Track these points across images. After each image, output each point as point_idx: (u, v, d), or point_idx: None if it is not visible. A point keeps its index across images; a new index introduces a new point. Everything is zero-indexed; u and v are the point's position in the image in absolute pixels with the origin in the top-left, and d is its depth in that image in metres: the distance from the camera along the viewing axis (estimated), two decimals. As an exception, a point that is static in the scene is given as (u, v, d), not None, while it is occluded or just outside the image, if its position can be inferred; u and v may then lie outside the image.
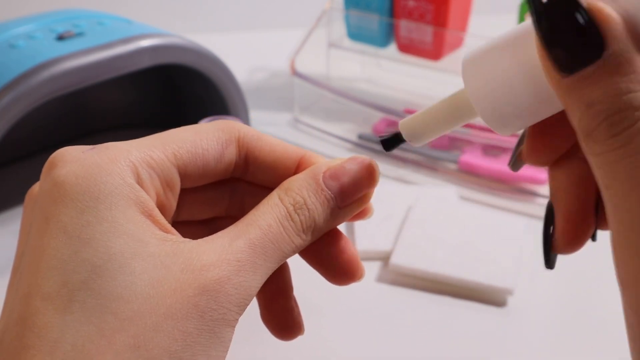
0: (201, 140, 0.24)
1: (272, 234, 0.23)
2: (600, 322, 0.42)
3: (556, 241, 0.25)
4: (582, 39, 0.18)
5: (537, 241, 0.48)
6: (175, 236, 0.22)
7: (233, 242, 0.22)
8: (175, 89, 0.59)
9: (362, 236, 0.47)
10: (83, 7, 0.57)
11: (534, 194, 0.53)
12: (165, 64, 0.50)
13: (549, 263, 0.26)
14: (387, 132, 0.25)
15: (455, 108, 0.24)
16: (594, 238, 0.25)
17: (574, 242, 0.24)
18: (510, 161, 0.26)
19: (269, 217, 0.23)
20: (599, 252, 0.47)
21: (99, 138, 0.62)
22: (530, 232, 0.48)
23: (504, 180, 0.54)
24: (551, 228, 0.25)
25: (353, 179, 0.24)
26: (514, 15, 0.60)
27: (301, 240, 0.24)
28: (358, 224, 0.48)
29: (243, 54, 0.77)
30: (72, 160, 0.22)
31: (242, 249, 0.22)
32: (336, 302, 0.43)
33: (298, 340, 0.40)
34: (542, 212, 0.54)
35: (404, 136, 0.25)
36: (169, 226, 0.22)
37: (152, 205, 0.22)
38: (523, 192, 0.53)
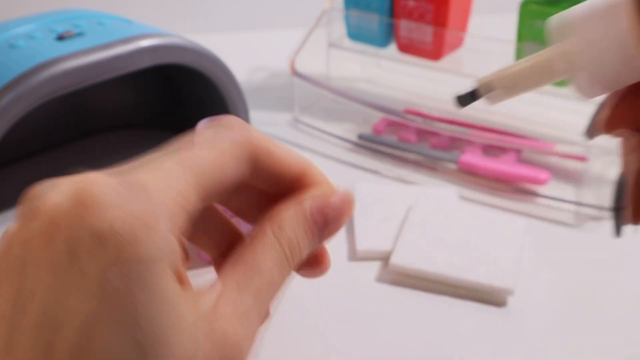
0: (223, 163, 0.24)
1: (273, 280, 0.24)
2: (600, 322, 0.42)
3: (629, 210, 0.24)
4: None
5: (537, 241, 0.48)
6: (190, 291, 0.22)
7: (242, 298, 0.23)
8: (175, 89, 0.59)
9: (362, 236, 0.47)
10: (83, 7, 0.57)
11: (534, 194, 0.53)
12: (165, 64, 0.50)
13: (619, 233, 0.26)
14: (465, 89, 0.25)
15: (541, 65, 0.24)
16: None
17: None
18: (587, 130, 0.26)
19: (269, 262, 0.24)
20: (599, 252, 0.47)
21: (99, 138, 0.62)
22: (530, 232, 0.48)
23: (504, 180, 0.54)
24: (622, 198, 0.25)
25: (337, 213, 0.26)
26: (514, 15, 0.60)
27: (288, 274, 0.25)
28: (358, 224, 0.48)
29: (243, 54, 0.77)
30: (109, 205, 0.19)
31: (250, 304, 0.23)
32: (336, 302, 0.43)
33: (297, 340, 0.40)
34: (542, 212, 0.54)
35: (480, 91, 0.24)
36: (185, 276, 0.22)
37: (180, 259, 0.21)
38: (523, 192, 0.53)
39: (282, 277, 0.24)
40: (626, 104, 0.24)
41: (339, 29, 0.67)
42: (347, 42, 0.67)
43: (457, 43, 0.64)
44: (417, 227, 0.47)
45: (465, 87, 0.25)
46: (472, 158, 0.56)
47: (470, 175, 0.55)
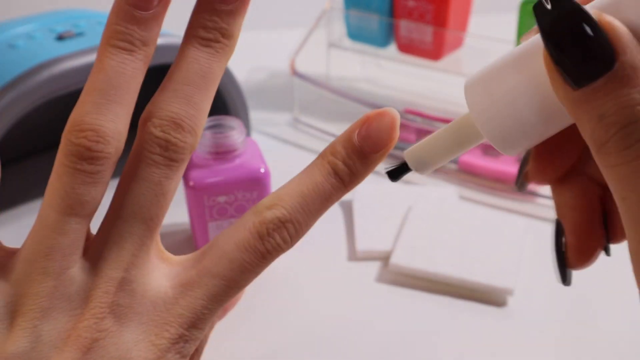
0: None
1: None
2: (600, 322, 0.42)
3: (568, 258, 0.25)
4: (592, 51, 0.18)
5: (537, 241, 0.48)
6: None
7: None
8: (175, 89, 0.59)
9: (362, 236, 0.47)
10: (83, 7, 0.57)
11: (534, 194, 0.53)
12: (165, 64, 0.50)
13: (565, 280, 0.26)
14: (392, 163, 0.26)
15: (460, 133, 0.24)
16: (607, 252, 0.25)
17: (585, 257, 0.25)
18: (516, 182, 0.26)
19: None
20: (599, 252, 0.47)
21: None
22: (530, 232, 0.48)
23: (504, 180, 0.54)
24: (562, 245, 0.25)
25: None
26: (514, 15, 0.60)
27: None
28: (358, 224, 0.48)
29: (243, 54, 0.77)
30: None
31: None
32: (336, 302, 0.43)
33: (297, 340, 0.40)
34: (542, 212, 0.54)
35: (410, 165, 0.25)
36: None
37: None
38: (523, 192, 0.53)
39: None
40: (543, 160, 0.25)
41: (339, 29, 0.67)
42: (347, 42, 0.67)
43: (457, 43, 0.64)
44: (417, 227, 0.47)
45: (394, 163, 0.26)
46: (472, 158, 0.56)
47: (470, 175, 0.55)
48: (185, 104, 0.24)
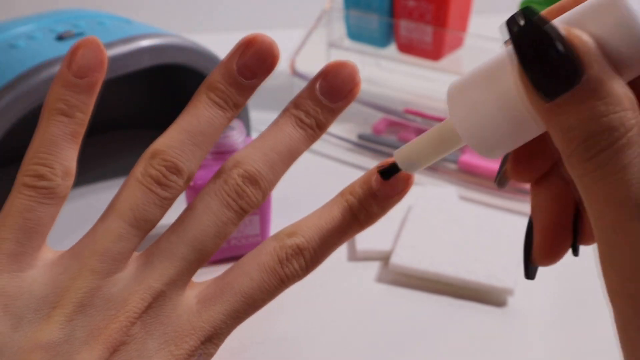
0: None
1: None
2: (600, 322, 0.42)
3: (534, 254, 0.26)
4: (560, 66, 0.19)
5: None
6: None
7: None
8: (175, 89, 0.59)
9: (362, 236, 0.47)
10: (83, 7, 0.57)
11: (534, 194, 0.53)
12: (165, 64, 0.50)
13: (529, 274, 0.27)
14: (384, 162, 0.27)
15: (443, 137, 0.25)
16: (575, 253, 0.26)
17: (550, 256, 0.26)
18: (496, 178, 0.27)
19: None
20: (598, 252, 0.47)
21: (97, 138, 0.62)
22: (530, 232, 0.48)
23: (504, 180, 0.54)
24: (530, 242, 0.26)
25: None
26: (514, 15, 0.60)
27: None
28: (358, 224, 0.48)
29: (243, 54, 0.77)
30: None
31: None
32: (335, 302, 0.43)
33: (297, 340, 0.40)
34: (542, 212, 0.54)
35: (399, 165, 0.27)
36: None
37: None
38: (523, 192, 0.53)
39: None
40: (521, 161, 0.25)
41: (339, 29, 0.67)
42: (347, 42, 0.67)
43: (457, 43, 0.64)
44: (417, 227, 0.47)
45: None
46: (472, 158, 0.56)
47: (470, 175, 0.55)
48: (269, 169, 0.27)
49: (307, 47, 0.65)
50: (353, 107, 0.62)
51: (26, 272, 0.25)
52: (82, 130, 0.27)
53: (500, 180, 0.27)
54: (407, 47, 0.64)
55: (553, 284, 0.45)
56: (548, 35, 0.19)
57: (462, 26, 0.64)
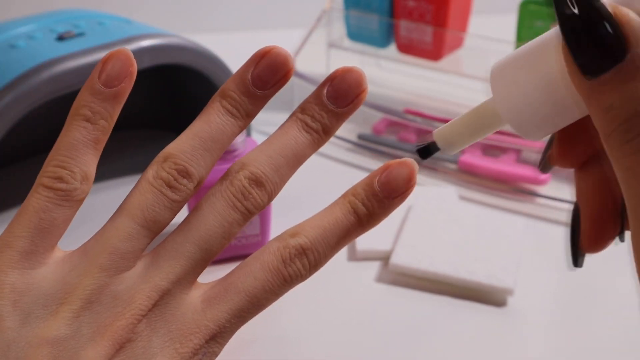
0: None
1: None
2: (600, 322, 0.42)
3: (582, 242, 0.25)
4: (605, 43, 0.19)
5: (537, 241, 0.48)
6: None
7: None
8: (175, 89, 0.59)
9: (362, 236, 0.47)
10: (83, 7, 0.57)
11: (534, 194, 0.53)
12: (165, 64, 0.50)
13: (577, 263, 0.26)
14: (422, 140, 0.27)
15: (484, 117, 0.25)
16: (621, 238, 0.25)
17: (599, 243, 0.25)
18: (540, 164, 0.27)
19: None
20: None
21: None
22: (530, 232, 0.48)
23: (504, 180, 0.54)
24: (577, 228, 0.26)
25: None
26: (514, 15, 0.60)
27: None
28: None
29: (243, 54, 0.77)
30: None
31: None
32: (335, 302, 0.43)
33: (297, 339, 0.40)
34: (542, 212, 0.54)
35: (439, 145, 0.26)
36: None
37: None
38: (523, 192, 0.53)
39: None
40: (566, 145, 0.25)
41: (339, 29, 0.67)
42: (347, 42, 0.67)
43: (457, 43, 0.64)
44: (416, 227, 0.47)
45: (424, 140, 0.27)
46: (472, 158, 0.56)
47: (470, 175, 0.55)
48: (274, 171, 0.27)
49: (307, 47, 0.65)
50: (353, 107, 0.62)
51: (37, 269, 0.26)
52: (104, 138, 0.28)
53: (545, 166, 0.27)
54: (407, 47, 0.64)
55: (553, 284, 0.45)
56: (595, 12, 0.19)
57: (462, 26, 0.64)
